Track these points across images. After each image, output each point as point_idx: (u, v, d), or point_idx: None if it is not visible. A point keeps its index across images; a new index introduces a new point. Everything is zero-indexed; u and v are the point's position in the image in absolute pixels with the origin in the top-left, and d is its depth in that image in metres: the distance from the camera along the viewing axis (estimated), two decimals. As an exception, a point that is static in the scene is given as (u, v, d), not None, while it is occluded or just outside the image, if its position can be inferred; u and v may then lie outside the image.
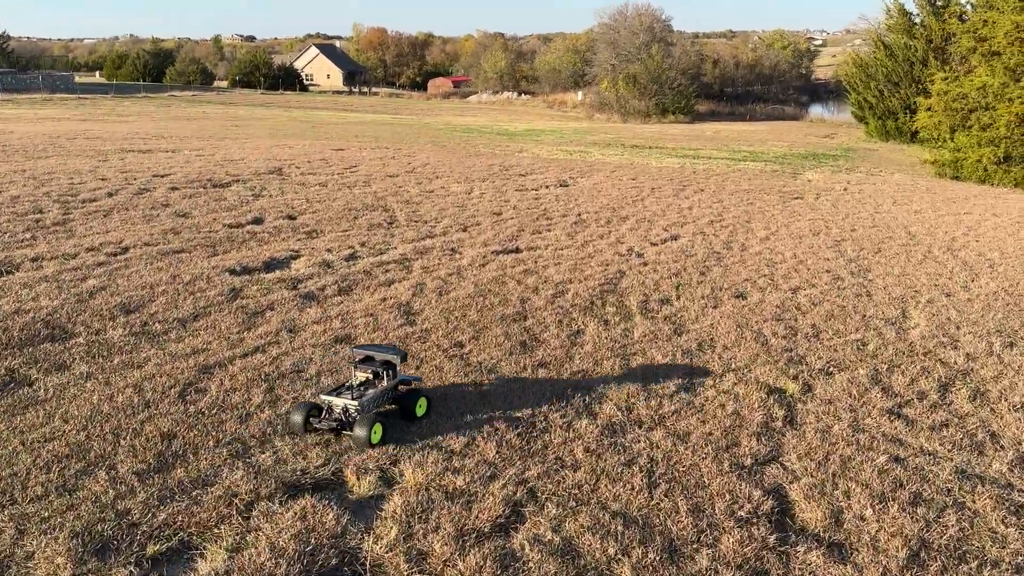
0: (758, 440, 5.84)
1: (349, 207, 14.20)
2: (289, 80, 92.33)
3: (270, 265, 10.13)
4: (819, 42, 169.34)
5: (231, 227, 12.10)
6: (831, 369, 7.47)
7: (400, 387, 5.92)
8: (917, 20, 42.52)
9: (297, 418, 5.46)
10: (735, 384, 6.93)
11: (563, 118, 63.46)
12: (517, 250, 11.78)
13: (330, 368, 6.79)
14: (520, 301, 9.16)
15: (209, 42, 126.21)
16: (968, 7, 36.33)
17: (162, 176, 16.52)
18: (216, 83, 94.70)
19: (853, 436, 5.98)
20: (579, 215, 14.86)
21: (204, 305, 8.30)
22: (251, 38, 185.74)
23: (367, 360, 5.74)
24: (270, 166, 19.02)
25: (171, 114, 43.17)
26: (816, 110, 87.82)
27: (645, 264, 11.29)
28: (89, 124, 31.84)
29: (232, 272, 9.61)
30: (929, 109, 26.96)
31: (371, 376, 5.70)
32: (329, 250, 11.00)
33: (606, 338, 8.05)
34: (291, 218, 13.12)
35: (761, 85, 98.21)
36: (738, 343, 8.07)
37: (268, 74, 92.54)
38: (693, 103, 66.41)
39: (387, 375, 5.71)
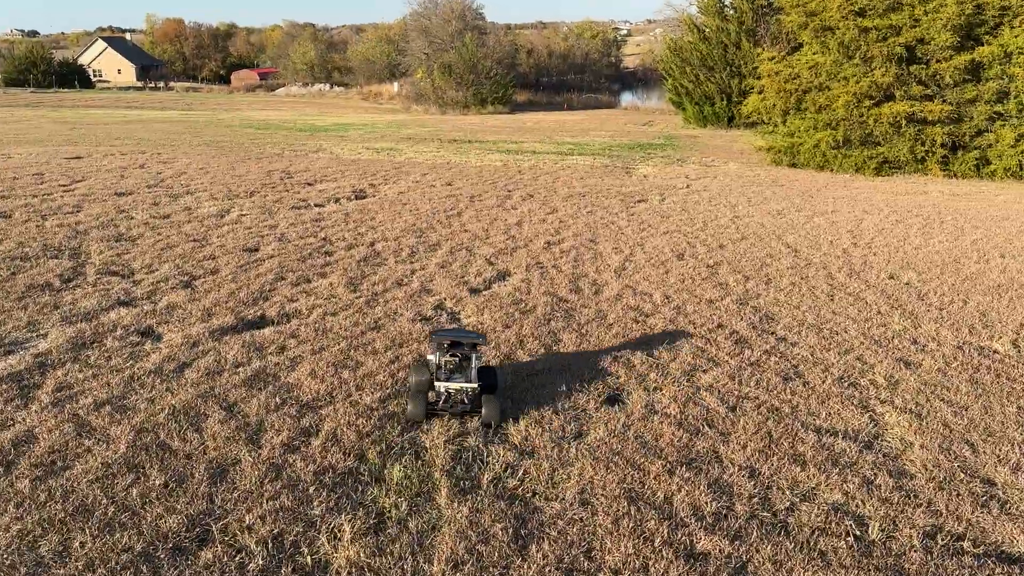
0: None
1: (12, 255, 9.12)
2: (73, 76, 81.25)
3: None
4: (624, 32, 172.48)
5: None
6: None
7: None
8: (727, 1, 41.04)
9: (419, 410, 5.21)
10: None
11: (379, 111, 58.49)
12: (260, 322, 7.31)
13: None
14: (213, 476, 4.74)
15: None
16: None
17: None
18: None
19: None
20: (372, 245, 10.53)
21: None
22: (34, 33, 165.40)
23: (455, 344, 5.43)
24: (-54, 187, 13.31)
25: None
26: (627, 98, 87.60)
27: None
28: None
29: None
30: (761, 92, 24.59)
31: (460, 359, 5.38)
32: (-93, 355, 6.09)
33: None
34: None
35: (575, 75, 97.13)
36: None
37: (47, 71, 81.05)
38: (512, 93, 63.29)
39: (475, 356, 5.41)
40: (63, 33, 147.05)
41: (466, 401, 5.25)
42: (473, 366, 5.38)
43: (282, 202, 13.39)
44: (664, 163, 22.67)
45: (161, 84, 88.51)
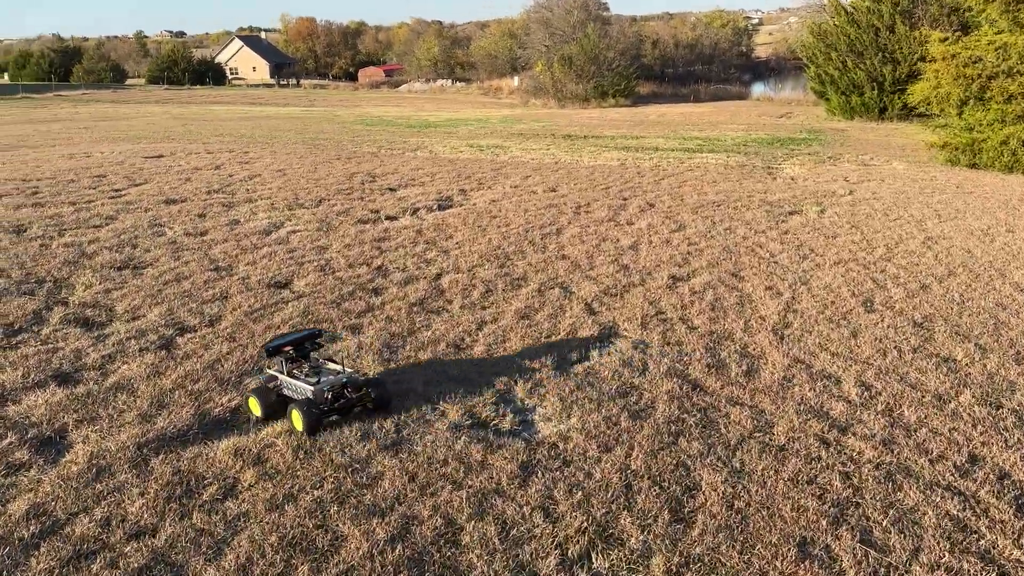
0: None
1: (-27, 291, 6.97)
2: (210, 74, 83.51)
3: None
4: (756, 21, 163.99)
5: None
6: None
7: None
8: (879, -20, 36.07)
9: (312, 424, 4.48)
10: None
11: (496, 105, 56.29)
12: (226, 425, 4.72)
13: None
14: None
15: (131, 39, 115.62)
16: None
17: None
18: (132, 80, 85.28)
19: None
20: (437, 279, 7.84)
21: None
22: (181, 34, 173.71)
23: (294, 345, 4.88)
24: (-13, 193, 11.63)
25: (28, 116, 34.98)
26: (759, 88, 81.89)
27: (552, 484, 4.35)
28: None
29: None
30: (931, 78, 20.34)
31: (318, 361, 4.96)
32: None
33: None
34: None
35: (702, 65, 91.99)
36: None
37: (187, 69, 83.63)
38: (634, 85, 59.65)
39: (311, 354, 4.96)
40: (207, 34, 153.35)
41: (348, 393, 4.72)
42: (318, 357, 4.96)
43: (349, 214, 10.93)
44: (813, 161, 18.95)
45: (292, 81, 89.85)
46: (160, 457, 4.23)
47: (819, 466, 4.32)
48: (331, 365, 4.93)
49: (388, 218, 10.81)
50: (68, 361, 5.50)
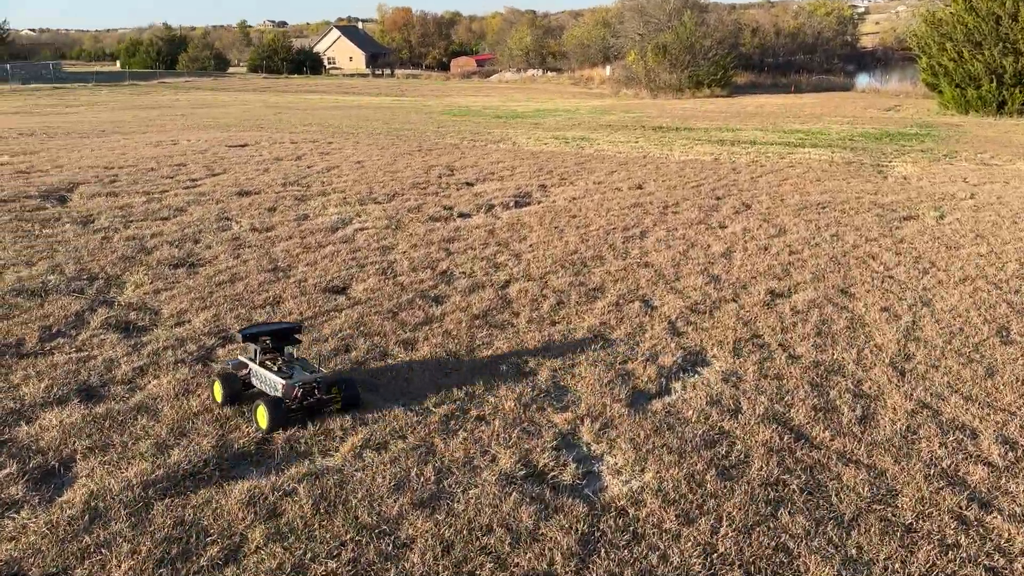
0: None
1: (25, 288, 6.63)
2: (307, 64, 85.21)
3: None
4: (861, 9, 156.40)
5: None
6: None
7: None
8: (1001, -37, 33.23)
9: (276, 423, 4.30)
10: None
11: (586, 95, 55.20)
12: (242, 459, 4.13)
13: None
14: None
15: (235, 28, 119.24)
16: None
17: None
18: (234, 69, 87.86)
19: None
20: (505, 287, 7.12)
21: None
22: (282, 24, 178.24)
23: (273, 336, 4.68)
24: (71, 178, 11.55)
25: (132, 103, 36.06)
26: (864, 80, 77.82)
27: None
28: (2, 117, 24.70)
29: None
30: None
31: (291, 355, 4.69)
32: None
33: None
34: None
35: (803, 55, 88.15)
36: None
37: (287, 58, 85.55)
38: (731, 74, 57.49)
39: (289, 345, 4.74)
40: (307, 23, 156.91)
41: (317, 393, 4.47)
42: (290, 353, 4.67)
43: (420, 210, 10.33)
44: (927, 159, 17.33)
45: (386, 71, 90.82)
46: (165, 502, 3.65)
47: (957, 558, 3.39)
48: (303, 362, 4.72)
49: (461, 215, 10.16)
50: (97, 373, 5.04)
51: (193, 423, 4.42)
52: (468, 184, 12.58)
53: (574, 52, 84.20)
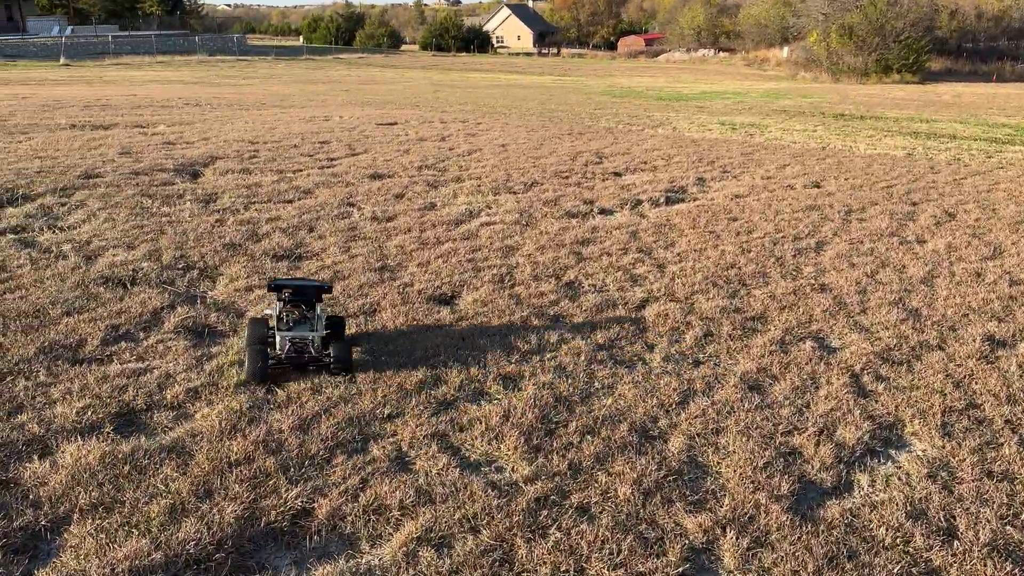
0: None
1: (110, 276, 6.07)
2: (476, 42, 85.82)
3: None
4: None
5: None
6: None
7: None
8: None
9: (258, 367, 4.34)
10: None
11: (759, 78, 51.79)
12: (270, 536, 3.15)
13: None
14: None
15: (411, 6, 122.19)
16: None
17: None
18: (406, 46, 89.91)
19: None
20: (640, 308, 5.85)
21: None
22: (457, 2, 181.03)
23: (298, 293, 4.65)
24: (212, 152, 11.31)
25: (304, 77, 37.13)
26: (1084, 67, 68.35)
27: None
28: (178, 88, 25.87)
29: None
30: None
31: (303, 308, 4.64)
32: None
33: None
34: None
35: (1008, 40, 78.80)
36: None
37: (457, 36, 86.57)
38: (925, 59, 52.04)
39: (319, 306, 4.68)
40: (480, 2, 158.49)
41: (312, 351, 4.50)
42: (319, 315, 4.65)
43: (558, 203, 9.17)
44: None
45: (552, 50, 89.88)
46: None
47: None
48: (319, 320, 4.63)
49: (602, 212, 8.91)
50: (145, 393, 4.28)
51: (225, 478, 3.52)
52: (616, 174, 11.28)
53: (749, 32, 79.73)
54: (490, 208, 8.84)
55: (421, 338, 5.14)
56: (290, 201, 8.84)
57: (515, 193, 9.68)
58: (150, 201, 8.46)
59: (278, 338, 4.52)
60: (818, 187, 10.75)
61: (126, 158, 10.79)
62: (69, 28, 55.28)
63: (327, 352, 4.52)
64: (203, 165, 10.65)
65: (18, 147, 11.44)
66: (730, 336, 5.38)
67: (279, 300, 4.63)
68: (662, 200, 9.57)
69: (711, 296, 6.15)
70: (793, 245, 7.67)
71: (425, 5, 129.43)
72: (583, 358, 4.92)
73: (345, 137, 13.92)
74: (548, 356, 4.95)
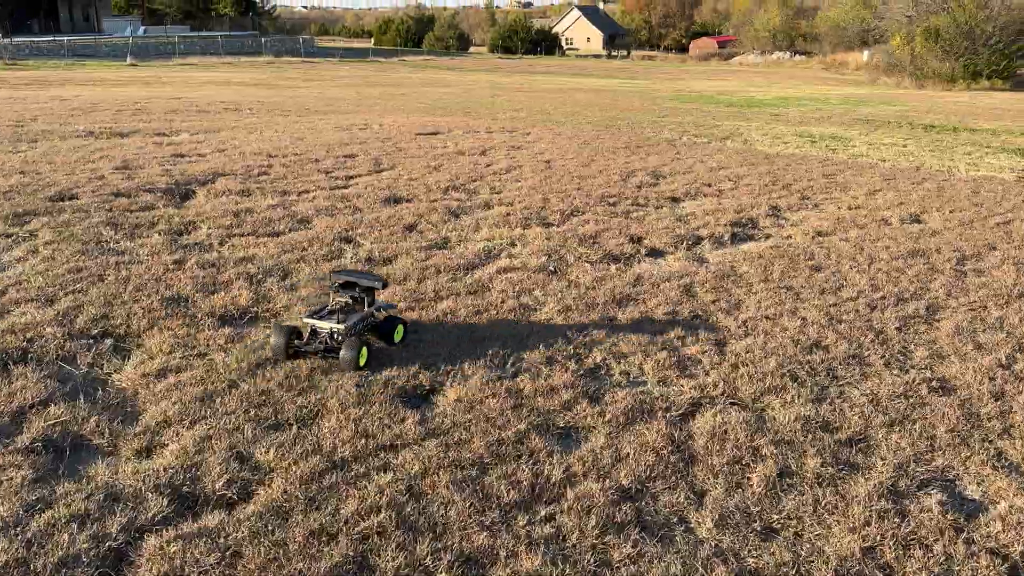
0: None
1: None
2: (544, 44, 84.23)
3: None
4: None
5: None
6: None
7: (378, 313, 4.83)
8: None
9: (279, 341, 4.50)
10: None
11: (838, 82, 48.79)
12: None
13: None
14: None
15: (482, 9, 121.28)
16: None
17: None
18: (475, 48, 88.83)
19: None
20: (685, 417, 4.10)
21: None
22: (528, 4, 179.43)
23: (347, 285, 4.76)
24: (219, 167, 9.96)
25: (364, 80, 36.12)
26: None
27: None
28: (232, 90, 24.99)
29: None
30: None
31: (350, 301, 4.74)
32: None
33: None
34: None
35: (1112, 42, 72.91)
36: None
37: (526, 38, 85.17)
38: (1017, 65, 48.17)
39: (366, 301, 4.74)
40: (551, 4, 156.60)
41: (328, 342, 4.55)
42: (367, 310, 4.71)
43: (598, 240, 7.46)
44: None
45: (622, 53, 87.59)
46: None
47: None
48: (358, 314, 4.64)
49: (650, 253, 7.17)
50: (-80, 574, 2.77)
51: None
52: (673, 199, 9.50)
53: (827, 35, 76.10)
54: (513, 247, 7.19)
55: (364, 472, 3.53)
56: (277, 234, 7.37)
57: (548, 226, 8.01)
58: (112, 232, 7.09)
59: None
60: (918, 223, 8.76)
61: (118, 175, 9.52)
62: (142, 28, 55.86)
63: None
64: (201, 184, 9.30)
65: (10, 159, 10.32)
66: (817, 477, 3.62)
67: None
68: (727, 238, 7.77)
69: (788, 397, 4.38)
70: (896, 311, 5.80)
71: (497, 7, 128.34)
72: (594, 521, 3.24)
73: (375, 149, 12.47)
74: (541, 516, 3.28)
